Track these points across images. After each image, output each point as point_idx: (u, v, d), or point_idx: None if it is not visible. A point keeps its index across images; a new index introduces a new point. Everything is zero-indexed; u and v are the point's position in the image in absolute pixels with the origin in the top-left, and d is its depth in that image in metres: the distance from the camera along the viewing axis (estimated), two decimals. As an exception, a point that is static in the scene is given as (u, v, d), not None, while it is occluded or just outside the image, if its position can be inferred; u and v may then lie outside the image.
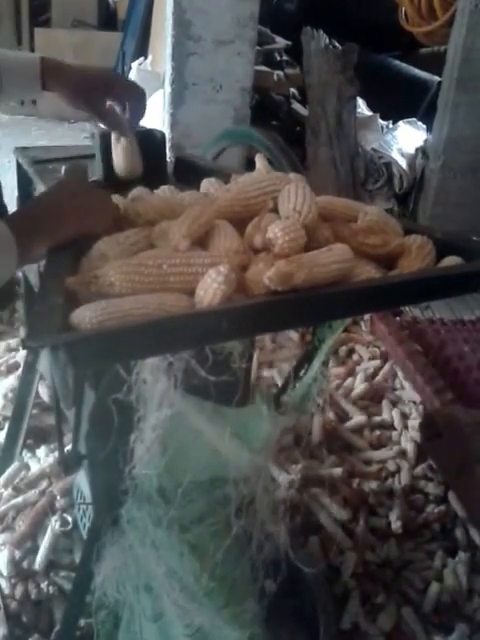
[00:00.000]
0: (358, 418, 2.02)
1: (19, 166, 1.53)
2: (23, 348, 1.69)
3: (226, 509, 1.10)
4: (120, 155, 1.25)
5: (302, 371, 1.15)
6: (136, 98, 1.25)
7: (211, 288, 0.81)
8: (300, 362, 1.16)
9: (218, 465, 1.07)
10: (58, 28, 5.72)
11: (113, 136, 1.25)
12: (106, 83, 1.22)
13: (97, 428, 1.05)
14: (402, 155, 3.54)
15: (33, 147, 1.59)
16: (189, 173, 1.37)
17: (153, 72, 3.95)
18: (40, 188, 1.37)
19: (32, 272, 1.51)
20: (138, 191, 1.13)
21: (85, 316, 0.77)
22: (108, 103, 1.24)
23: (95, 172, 1.33)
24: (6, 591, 1.54)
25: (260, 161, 1.30)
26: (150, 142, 1.31)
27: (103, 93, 1.21)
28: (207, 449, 1.03)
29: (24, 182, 1.52)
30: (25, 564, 1.59)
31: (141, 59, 4.10)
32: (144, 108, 1.25)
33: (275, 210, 0.99)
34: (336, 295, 0.84)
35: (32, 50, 5.62)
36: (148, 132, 1.34)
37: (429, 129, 3.66)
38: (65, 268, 0.88)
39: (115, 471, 1.00)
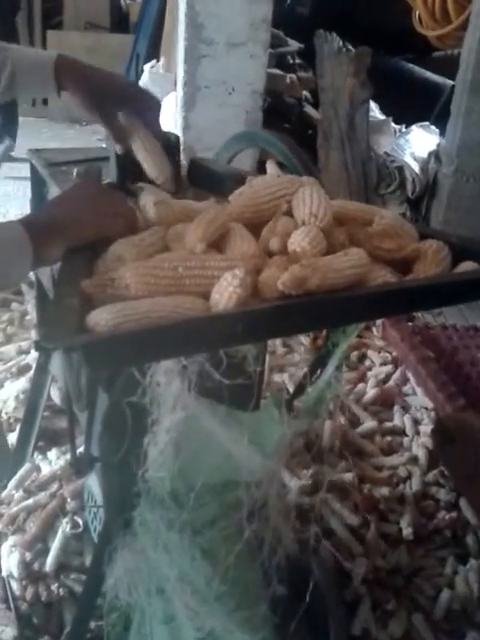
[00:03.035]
0: (369, 423, 2.02)
1: (33, 168, 1.53)
2: (38, 350, 1.68)
3: (238, 513, 1.09)
4: (148, 160, 1.20)
5: (315, 376, 1.15)
6: (152, 109, 1.22)
7: (227, 291, 0.81)
8: (313, 366, 1.16)
9: (230, 469, 1.07)
10: (70, 30, 5.74)
11: (133, 144, 1.21)
12: (121, 91, 1.19)
13: (110, 431, 1.05)
14: (415, 159, 3.52)
15: (47, 149, 1.59)
16: (203, 176, 1.37)
17: (165, 75, 3.96)
18: (54, 190, 1.37)
19: (45, 275, 1.51)
20: (150, 193, 1.12)
21: (101, 318, 0.77)
22: (120, 114, 1.20)
23: (109, 175, 1.33)
24: (17, 592, 1.54)
25: (271, 166, 1.30)
26: (164, 145, 1.31)
27: (117, 101, 1.18)
28: (220, 453, 1.03)
29: (37, 184, 1.53)
30: (36, 566, 1.59)
31: (153, 62, 4.11)
32: (159, 119, 1.22)
33: (289, 213, 0.99)
34: (351, 300, 0.84)
35: None
36: (162, 135, 1.33)
37: (442, 133, 3.64)
38: (81, 270, 0.88)
39: (128, 474, 1.00)
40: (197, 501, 1.04)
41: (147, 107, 1.21)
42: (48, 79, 1.15)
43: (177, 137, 1.35)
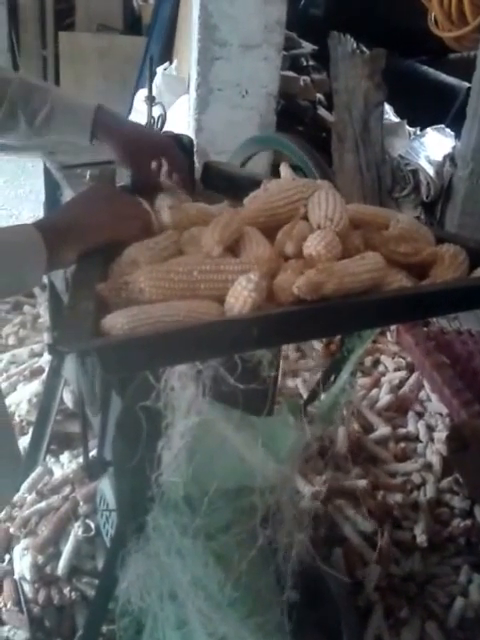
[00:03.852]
0: (383, 430, 2.00)
1: (46, 171, 1.54)
2: (52, 353, 1.68)
3: (251, 518, 1.09)
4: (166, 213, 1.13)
5: (329, 381, 1.14)
6: (183, 170, 1.23)
7: (242, 296, 0.81)
8: (327, 372, 1.15)
9: (244, 474, 1.06)
10: (83, 32, 5.65)
11: (160, 196, 1.16)
12: (156, 149, 1.20)
13: (124, 434, 1.04)
14: (430, 162, 3.49)
15: (61, 152, 1.60)
16: (217, 179, 1.36)
17: (178, 77, 3.95)
18: (67, 193, 1.38)
19: (58, 278, 1.52)
20: (165, 196, 1.11)
21: (116, 322, 0.77)
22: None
23: (123, 177, 1.33)
24: (29, 595, 1.54)
25: (285, 170, 1.29)
26: (178, 148, 1.31)
27: (152, 154, 1.20)
28: (234, 457, 1.03)
29: (51, 187, 1.54)
30: (48, 569, 1.60)
31: (166, 64, 4.10)
32: (193, 180, 1.24)
33: (304, 217, 0.98)
34: (368, 304, 0.83)
35: (56, 54, 5.57)
36: (176, 137, 1.33)
37: (457, 136, 3.61)
38: (95, 274, 0.88)
39: (142, 478, 1.00)
40: (210, 506, 1.04)
41: (175, 164, 1.21)
42: (85, 127, 1.15)
43: (191, 139, 1.35)
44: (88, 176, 1.38)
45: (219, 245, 0.87)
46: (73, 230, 0.92)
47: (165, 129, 1.40)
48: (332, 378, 1.15)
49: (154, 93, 1.56)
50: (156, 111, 1.44)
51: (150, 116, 1.42)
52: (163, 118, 1.36)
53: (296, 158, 1.28)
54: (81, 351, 0.69)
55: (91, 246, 0.92)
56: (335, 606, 1.43)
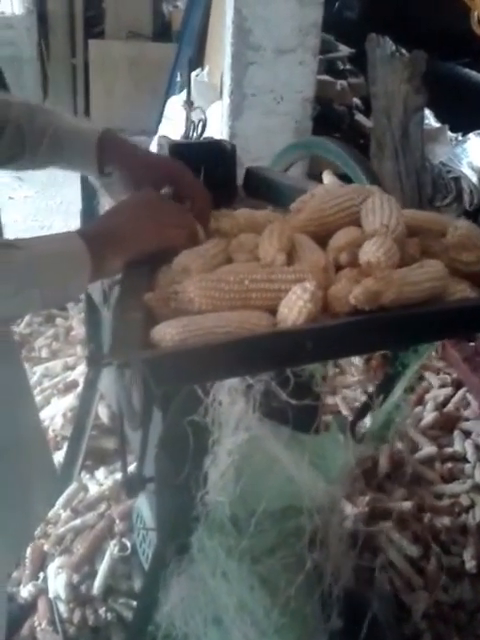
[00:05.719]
0: (428, 449, 1.94)
1: (83, 179, 1.52)
2: (91, 365, 1.66)
3: (298, 541, 1.04)
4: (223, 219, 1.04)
5: (380, 398, 1.09)
6: (201, 196, 1.05)
7: (296, 306, 0.77)
8: (379, 388, 1.10)
9: (292, 494, 1.01)
10: (112, 40, 5.68)
11: None
12: (168, 175, 1.07)
13: (167, 451, 1.01)
14: (473, 169, 3.38)
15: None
16: (259, 186, 1.32)
17: (210, 83, 3.95)
18: (105, 201, 1.35)
19: (96, 290, 1.49)
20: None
21: (166, 333, 0.73)
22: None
23: None
24: (64, 615, 1.51)
25: (328, 177, 1.25)
26: (220, 154, 1.28)
27: (159, 180, 1.06)
28: (282, 477, 0.98)
29: (88, 195, 1.51)
30: (83, 588, 1.56)
31: (198, 70, 4.10)
32: (209, 208, 1.04)
33: (356, 223, 0.94)
34: (431, 316, 0.78)
35: (86, 62, 5.59)
36: (217, 143, 1.30)
37: (502, 142, 3.52)
38: (143, 283, 0.85)
39: (186, 497, 0.96)
40: (256, 527, 0.99)
41: (195, 193, 1.06)
42: (90, 155, 1.06)
43: (233, 146, 1.31)
44: None
45: (281, 253, 0.83)
46: (118, 238, 0.89)
47: (205, 135, 1.36)
48: (382, 395, 1.10)
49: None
50: (194, 116, 1.41)
51: (189, 120, 1.39)
52: (204, 123, 1.32)
53: (342, 164, 1.23)
54: (132, 363, 0.66)
55: (138, 255, 0.89)
56: (382, 634, 1.37)
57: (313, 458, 1.00)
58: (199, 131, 1.34)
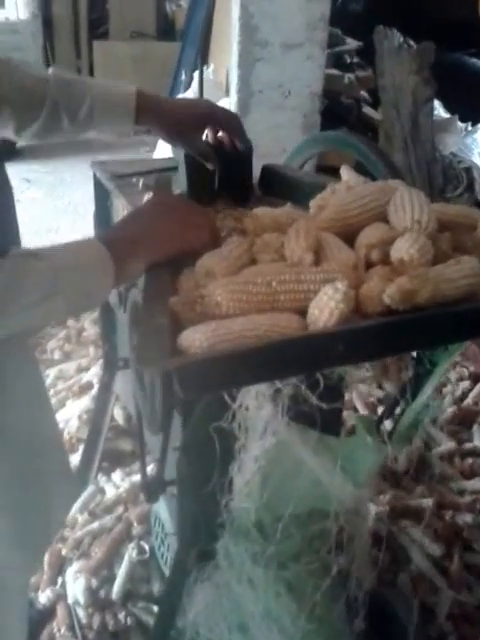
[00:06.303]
0: (447, 444, 1.91)
1: (97, 181, 1.49)
2: (112, 367, 1.63)
3: (323, 545, 1.02)
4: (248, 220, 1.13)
5: (407, 397, 1.06)
6: (234, 126, 1.21)
7: (328, 307, 0.74)
8: (405, 387, 1.07)
9: (318, 497, 0.99)
10: (116, 40, 5.71)
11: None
12: (201, 115, 1.18)
13: (189, 456, 0.98)
14: (484, 159, 3.37)
15: (111, 161, 1.55)
16: (275, 183, 1.30)
17: (215, 81, 3.92)
18: (119, 203, 1.33)
19: (112, 293, 1.47)
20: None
21: (194, 338, 0.71)
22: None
23: (178, 185, 1.28)
24: (83, 620, 1.49)
25: (347, 173, 1.22)
26: (235, 152, 1.25)
27: (198, 126, 1.18)
28: (309, 481, 0.96)
29: (101, 197, 1.49)
30: (102, 593, 1.55)
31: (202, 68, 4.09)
32: (244, 134, 1.21)
33: (384, 219, 0.91)
34: (468, 314, 0.75)
35: (91, 63, 5.62)
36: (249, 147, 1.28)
37: (513, 130, 3.49)
38: (166, 287, 0.82)
39: (211, 503, 0.94)
40: (283, 533, 0.97)
41: (228, 124, 1.21)
42: (128, 115, 1.13)
43: (250, 146, 1.28)
44: (141, 185, 1.34)
45: (308, 252, 0.80)
46: (140, 242, 0.87)
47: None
48: (409, 394, 1.07)
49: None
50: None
51: None
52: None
53: (363, 158, 1.20)
54: (162, 371, 0.63)
55: (159, 258, 0.87)
56: (405, 635, 1.35)
57: (342, 461, 0.98)
58: None
